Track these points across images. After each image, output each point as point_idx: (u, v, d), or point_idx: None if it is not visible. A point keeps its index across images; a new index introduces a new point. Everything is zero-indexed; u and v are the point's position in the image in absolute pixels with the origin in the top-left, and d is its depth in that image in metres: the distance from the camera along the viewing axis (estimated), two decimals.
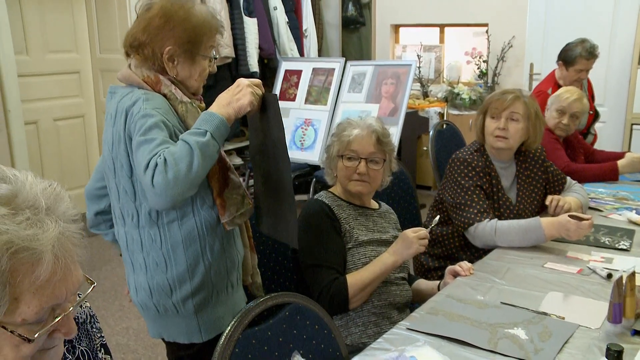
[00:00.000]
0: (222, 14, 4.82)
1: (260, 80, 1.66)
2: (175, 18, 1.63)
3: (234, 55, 4.87)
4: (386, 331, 1.67)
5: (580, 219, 2.10)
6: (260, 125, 1.72)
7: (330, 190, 2.11)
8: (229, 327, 1.35)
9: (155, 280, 1.69)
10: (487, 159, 2.40)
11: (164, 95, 1.64)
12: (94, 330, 1.07)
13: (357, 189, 2.02)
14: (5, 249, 0.72)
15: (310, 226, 1.95)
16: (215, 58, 1.75)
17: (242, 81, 1.63)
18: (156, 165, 1.44)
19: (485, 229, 2.22)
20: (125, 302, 3.53)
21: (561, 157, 2.99)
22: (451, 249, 2.42)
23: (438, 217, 2.13)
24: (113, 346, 3.07)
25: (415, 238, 1.89)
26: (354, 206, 2.06)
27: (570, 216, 2.12)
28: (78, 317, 1.03)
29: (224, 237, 1.71)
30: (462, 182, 2.32)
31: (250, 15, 5.04)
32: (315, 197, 2.09)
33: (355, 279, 1.88)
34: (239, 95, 1.59)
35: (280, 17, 5.40)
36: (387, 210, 2.18)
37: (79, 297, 0.87)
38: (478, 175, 2.34)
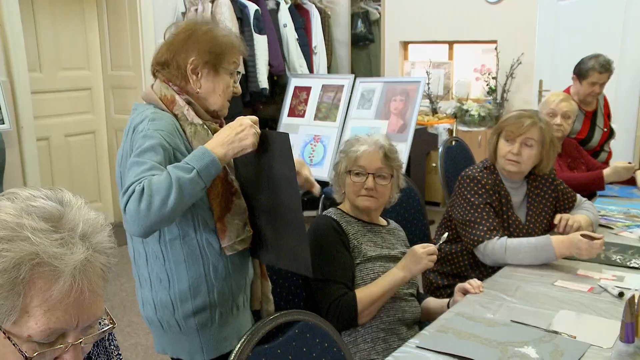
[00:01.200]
0: (233, 31, 4.87)
1: (257, 118, 1.65)
2: (199, 32, 1.69)
3: (243, 72, 4.91)
4: (395, 348, 1.66)
5: (592, 238, 2.08)
6: (256, 162, 1.68)
7: (338, 207, 2.11)
8: (239, 345, 1.35)
9: (159, 296, 1.70)
10: (497, 177, 2.40)
11: (175, 116, 1.65)
12: (112, 347, 1.07)
13: (365, 204, 2.02)
14: (28, 259, 0.75)
15: (319, 241, 1.95)
16: (239, 73, 1.76)
17: (244, 120, 1.60)
18: (133, 192, 1.44)
19: (495, 247, 2.21)
20: (134, 318, 3.53)
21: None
22: (460, 267, 2.41)
23: (446, 234, 2.13)
24: None
25: (424, 254, 1.89)
26: (363, 222, 2.06)
27: (582, 235, 2.10)
28: (99, 328, 1.04)
29: (230, 260, 1.71)
30: (472, 199, 2.31)
31: (260, 32, 5.09)
32: (323, 213, 2.10)
33: (364, 293, 1.87)
34: (242, 135, 1.56)
35: (290, 34, 5.45)
36: (395, 227, 2.18)
37: (100, 326, 0.87)
38: (488, 193, 2.33)
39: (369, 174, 2.00)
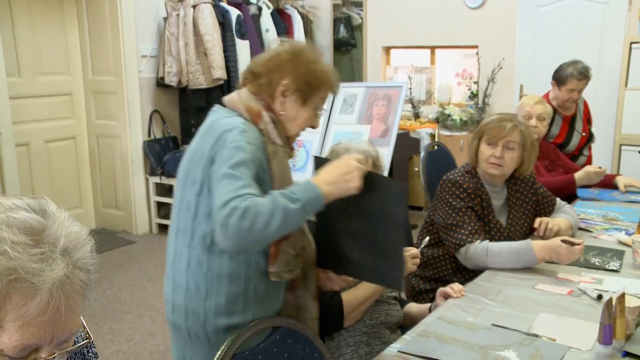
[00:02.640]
0: (215, 36, 4.86)
1: (362, 157, 1.63)
2: (303, 57, 1.67)
3: (226, 77, 4.90)
4: (378, 351, 1.66)
5: (572, 244, 2.11)
6: (355, 202, 1.63)
7: None
8: (220, 352, 1.35)
9: (192, 305, 1.63)
10: (478, 181, 2.41)
11: (260, 131, 1.63)
12: (90, 354, 1.06)
13: None
14: (5, 274, 0.73)
15: None
16: (324, 109, 1.74)
17: (351, 162, 1.58)
18: (236, 208, 1.41)
19: (477, 250, 2.22)
20: (115, 325, 3.50)
21: None
22: (442, 271, 2.42)
23: (427, 238, 2.14)
24: None
25: (407, 257, 1.90)
26: None
27: (562, 241, 2.12)
28: (75, 341, 1.03)
29: (271, 284, 1.66)
30: (454, 203, 2.32)
31: (242, 37, 5.08)
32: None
33: (350, 297, 1.88)
34: (348, 177, 1.55)
35: (272, 39, 5.45)
36: None
37: (75, 343, 0.86)
38: (469, 197, 2.35)
39: None
